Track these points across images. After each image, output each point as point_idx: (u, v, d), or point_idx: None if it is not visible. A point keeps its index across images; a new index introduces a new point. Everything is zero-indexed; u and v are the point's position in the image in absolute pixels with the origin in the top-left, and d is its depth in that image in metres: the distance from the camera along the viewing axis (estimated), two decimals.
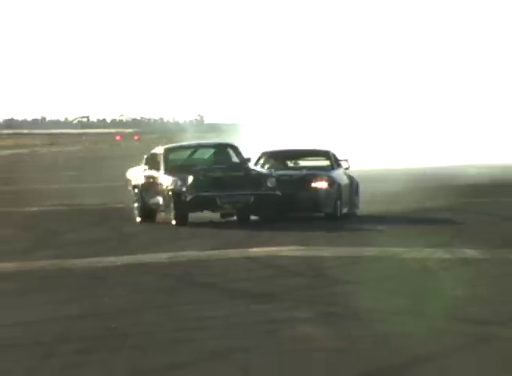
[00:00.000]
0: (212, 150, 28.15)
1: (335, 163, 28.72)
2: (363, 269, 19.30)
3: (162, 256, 21.52)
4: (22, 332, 13.41)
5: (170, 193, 24.78)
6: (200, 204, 24.60)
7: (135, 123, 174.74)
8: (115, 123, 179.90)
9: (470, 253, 21.31)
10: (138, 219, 26.62)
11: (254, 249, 22.48)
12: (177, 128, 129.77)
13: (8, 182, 49.66)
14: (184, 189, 24.24)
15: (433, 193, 39.19)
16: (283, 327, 13.52)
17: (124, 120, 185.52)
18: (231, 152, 27.25)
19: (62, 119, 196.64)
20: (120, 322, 13.91)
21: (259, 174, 25.94)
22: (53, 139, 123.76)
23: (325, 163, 28.58)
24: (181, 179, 24.68)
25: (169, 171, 25.76)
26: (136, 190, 26.75)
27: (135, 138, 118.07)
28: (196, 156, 27.81)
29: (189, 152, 28.11)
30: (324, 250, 21.52)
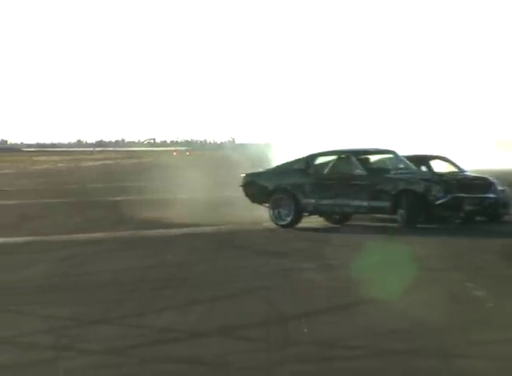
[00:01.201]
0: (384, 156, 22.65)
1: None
2: None
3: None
4: (113, 276, 14.72)
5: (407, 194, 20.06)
6: (450, 206, 20.11)
7: (186, 143, 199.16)
8: (173, 143, 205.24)
9: None
10: None
11: None
12: (215, 147, 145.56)
13: (99, 181, 50.15)
14: (434, 191, 20.02)
15: None
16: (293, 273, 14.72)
17: (179, 141, 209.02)
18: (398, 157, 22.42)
19: (136, 140, 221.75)
20: (179, 270, 15.14)
21: (489, 179, 21.80)
22: (130, 154, 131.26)
23: (451, 168, 23.50)
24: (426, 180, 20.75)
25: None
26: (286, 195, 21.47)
27: (187, 153, 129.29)
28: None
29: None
30: None
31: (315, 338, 9.83)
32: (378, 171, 21.67)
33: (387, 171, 21.73)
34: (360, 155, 22.00)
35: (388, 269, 14.35)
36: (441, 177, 21.73)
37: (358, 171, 21.32)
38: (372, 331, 10.12)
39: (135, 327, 10.74)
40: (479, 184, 21.60)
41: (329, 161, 22.08)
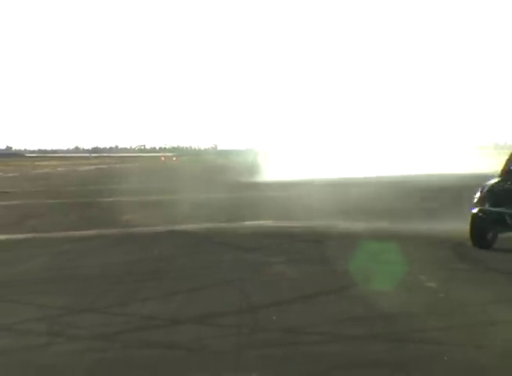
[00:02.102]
0: None
1: None
2: None
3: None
4: (103, 269, 14.58)
5: None
6: None
7: (174, 149, 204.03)
8: (161, 149, 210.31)
9: None
10: None
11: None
12: (199, 153, 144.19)
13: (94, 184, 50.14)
14: None
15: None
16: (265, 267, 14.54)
17: (167, 147, 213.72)
18: None
19: (128, 146, 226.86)
20: (162, 264, 15.05)
21: None
22: (123, 160, 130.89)
23: None
24: None
25: None
26: None
27: (174, 159, 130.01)
28: None
29: None
30: None
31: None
32: None
33: None
34: None
35: None
36: None
37: None
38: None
39: (119, 315, 10.70)
40: None
41: None
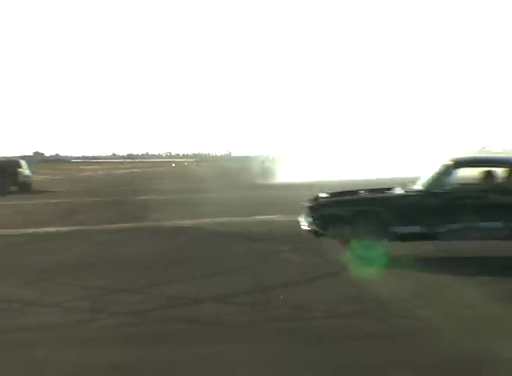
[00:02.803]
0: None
1: None
2: None
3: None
4: (135, 257, 14.63)
5: None
6: None
7: (194, 156, 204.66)
8: (184, 156, 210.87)
9: None
10: None
11: None
12: (216, 158, 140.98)
13: (128, 184, 49.93)
14: None
15: None
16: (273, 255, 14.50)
17: (189, 154, 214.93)
18: None
19: (156, 153, 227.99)
20: (185, 252, 15.04)
21: None
22: (152, 164, 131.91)
23: None
24: None
25: None
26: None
27: (195, 164, 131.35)
28: None
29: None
30: None
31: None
32: None
33: None
34: None
35: None
36: None
37: None
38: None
39: (150, 295, 10.76)
40: None
41: None
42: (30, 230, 20.30)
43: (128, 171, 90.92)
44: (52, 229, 20.32)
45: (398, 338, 8.20)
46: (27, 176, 47.55)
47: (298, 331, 8.56)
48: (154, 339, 8.38)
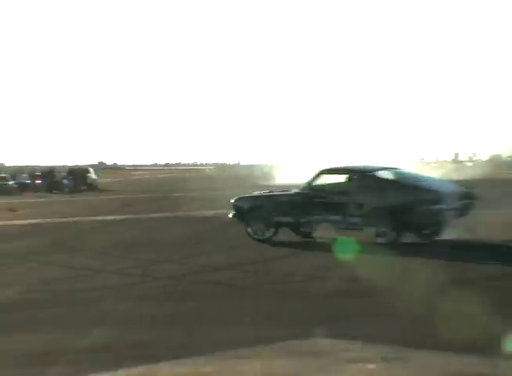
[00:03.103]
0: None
1: None
2: None
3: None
4: (173, 237, 14.56)
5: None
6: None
7: (215, 164, 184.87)
8: (205, 164, 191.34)
9: None
10: None
11: None
12: (227, 166, 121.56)
13: (168, 185, 49.63)
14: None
15: None
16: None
17: (208, 163, 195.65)
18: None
19: (187, 162, 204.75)
20: (210, 234, 14.98)
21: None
22: (184, 171, 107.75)
23: None
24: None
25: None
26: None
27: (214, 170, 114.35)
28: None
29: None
30: None
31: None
32: None
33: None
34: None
35: None
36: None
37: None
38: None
39: (185, 264, 10.76)
40: None
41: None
42: (99, 218, 20.35)
43: (167, 175, 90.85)
44: (110, 217, 20.32)
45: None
46: (94, 179, 49.53)
47: (287, 290, 8.57)
48: (187, 296, 8.38)
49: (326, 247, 11.59)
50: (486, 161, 61.86)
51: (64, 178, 47.56)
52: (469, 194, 12.42)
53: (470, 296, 6.86)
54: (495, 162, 60.20)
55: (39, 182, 46.43)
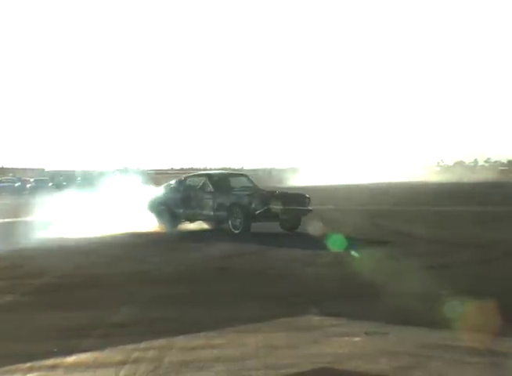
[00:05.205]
0: (235, 178, 15.99)
1: None
2: None
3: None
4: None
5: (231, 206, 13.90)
6: (268, 215, 13.55)
7: (224, 168, 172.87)
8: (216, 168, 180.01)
9: None
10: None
11: None
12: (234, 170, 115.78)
13: None
14: (255, 202, 13.59)
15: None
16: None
17: (220, 167, 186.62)
18: (246, 179, 15.75)
19: (205, 167, 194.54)
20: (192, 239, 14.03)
21: (304, 194, 14.51)
22: None
23: None
24: (249, 196, 13.96)
25: (222, 190, 14.71)
26: (162, 206, 15.62)
27: None
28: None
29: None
30: None
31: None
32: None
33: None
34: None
35: None
36: (262, 192, 14.70)
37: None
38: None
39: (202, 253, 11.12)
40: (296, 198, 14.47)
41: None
42: None
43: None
44: None
45: None
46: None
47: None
48: (202, 277, 8.58)
49: None
50: (451, 166, 62.68)
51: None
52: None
53: None
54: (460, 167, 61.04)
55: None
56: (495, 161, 66.23)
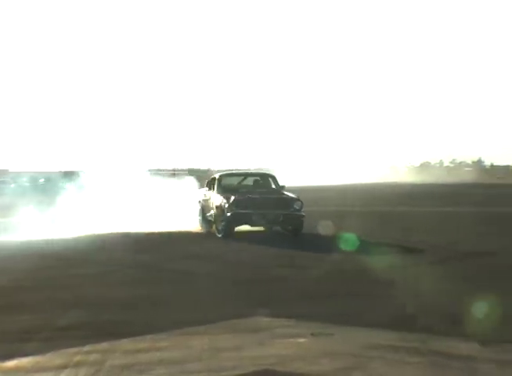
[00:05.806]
0: (256, 178, 15.58)
1: None
2: None
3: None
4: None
5: (219, 209, 13.70)
6: (239, 219, 13.31)
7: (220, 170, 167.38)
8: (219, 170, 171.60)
9: None
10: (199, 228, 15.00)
11: None
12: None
13: None
14: (227, 206, 13.34)
15: None
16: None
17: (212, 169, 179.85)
18: (270, 180, 14.88)
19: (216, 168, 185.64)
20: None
21: (290, 198, 13.69)
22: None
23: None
24: (226, 198, 13.56)
25: (221, 192, 14.24)
26: (199, 206, 15.26)
27: None
28: (244, 182, 15.66)
29: (238, 178, 16.12)
30: None
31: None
32: None
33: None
34: None
35: None
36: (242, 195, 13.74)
37: None
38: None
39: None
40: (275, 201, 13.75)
41: None
42: None
43: None
44: None
45: None
46: None
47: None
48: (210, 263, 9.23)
49: None
50: (418, 167, 61.27)
51: None
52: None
53: None
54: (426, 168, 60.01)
55: None
56: (461, 162, 64.88)
